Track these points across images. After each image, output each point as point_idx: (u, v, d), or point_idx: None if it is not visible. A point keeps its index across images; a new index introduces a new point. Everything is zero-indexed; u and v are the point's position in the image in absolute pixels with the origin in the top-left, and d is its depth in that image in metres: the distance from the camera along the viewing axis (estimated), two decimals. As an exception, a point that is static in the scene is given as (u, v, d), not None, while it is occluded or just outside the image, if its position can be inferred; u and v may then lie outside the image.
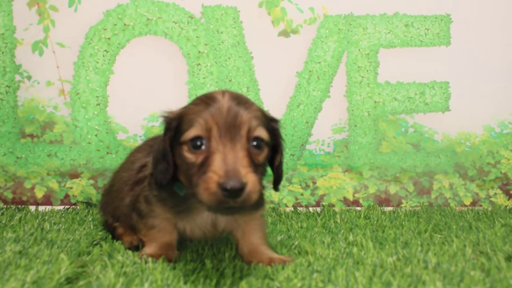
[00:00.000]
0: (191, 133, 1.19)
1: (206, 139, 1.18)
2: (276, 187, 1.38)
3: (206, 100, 1.23)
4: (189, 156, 1.20)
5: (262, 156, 1.23)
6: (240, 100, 1.24)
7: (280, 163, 1.34)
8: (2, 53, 1.99)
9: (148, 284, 1.22)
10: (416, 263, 1.40)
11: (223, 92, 1.25)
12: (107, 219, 1.70)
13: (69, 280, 1.29)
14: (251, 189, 1.11)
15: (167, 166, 1.27)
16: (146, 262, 1.39)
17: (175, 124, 1.28)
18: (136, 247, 1.52)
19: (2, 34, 1.98)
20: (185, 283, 1.25)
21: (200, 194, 1.13)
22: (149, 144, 1.63)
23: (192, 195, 1.20)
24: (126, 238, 1.59)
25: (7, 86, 2.01)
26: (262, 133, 1.21)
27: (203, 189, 1.12)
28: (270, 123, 1.31)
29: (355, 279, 1.28)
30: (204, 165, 1.15)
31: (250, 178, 1.11)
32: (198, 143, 1.18)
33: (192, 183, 1.19)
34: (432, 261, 1.40)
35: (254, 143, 1.20)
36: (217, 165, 1.12)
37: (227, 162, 1.13)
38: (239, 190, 1.09)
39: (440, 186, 2.15)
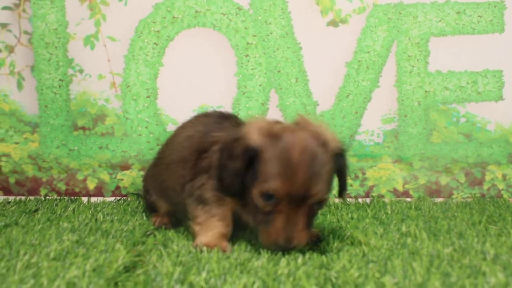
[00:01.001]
0: (265, 187, 1.31)
1: (277, 198, 1.31)
2: (341, 196, 1.49)
3: (285, 158, 1.30)
4: (259, 201, 1.34)
5: (320, 207, 1.40)
6: (314, 166, 1.31)
7: (345, 181, 1.43)
8: (56, 47, 2.03)
9: (206, 273, 1.23)
10: (474, 254, 1.37)
11: (301, 153, 1.30)
12: (148, 192, 1.73)
13: (127, 269, 1.31)
14: (299, 244, 1.35)
15: (236, 186, 1.35)
16: (201, 252, 1.40)
17: (252, 155, 1.33)
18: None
19: (55, 29, 2.02)
20: (241, 272, 1.26)
21: (260, 235, 1.37)
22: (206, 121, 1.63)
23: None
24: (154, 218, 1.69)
25: (60, 80, 2.05)
26: (325, 196, 1.35)
27: (263, 234, 1.36)
28: (338, 162, 1.38)
29: (412, 269, 1.27)
30: (269, 216, 1.33)
31: (301, 239, 1.34)
32: (270, 197, 1.32)
33: (256, 218, 1.37)
34: (490, 253, 1.37)
35: (316, 205, 1.35)
36: (278, 226, 1.33)
37: (286, 228, 1.33)
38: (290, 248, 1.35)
39: (492, 177, 2.11)
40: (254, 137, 1.34)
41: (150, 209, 1.76)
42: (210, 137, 1.54)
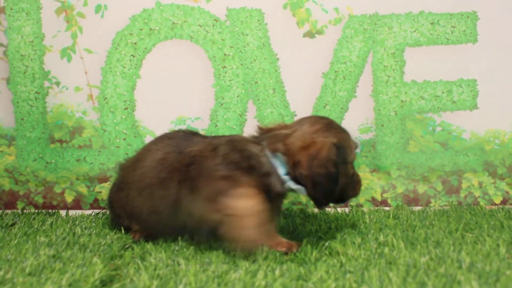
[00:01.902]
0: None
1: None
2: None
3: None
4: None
5: None
6: None
7: None
8: (32, 60, 2.02)
9: (182, 286, 1.23)
10: (450, 262, 1.39)
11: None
12: (119, 217, 1.74)
13: (104, 283, 1.30)
14: None
15: (335, 188, 1.53)
16: (179, 265, 1.40)
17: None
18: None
19: (31, 41, 2.01)
20: (219, 285, 1.26)
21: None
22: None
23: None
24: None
25: (36, 92, 2.03)
26: None
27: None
28: None
29: (389, 279, 1.28)
30: (354, 175, 1.63)
31: None
32: None
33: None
34: (466, 261, 1.39)
35: None
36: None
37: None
38: None
39: (469, 185, 2.13)
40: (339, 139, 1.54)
41: (124, 229, 1.76)
42: (187, 153, 1.58)
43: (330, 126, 1.57)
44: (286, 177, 1.53)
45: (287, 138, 1.54)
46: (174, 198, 1.56)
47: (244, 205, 1.44)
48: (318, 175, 1.47)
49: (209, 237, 1.57)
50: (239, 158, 1.51)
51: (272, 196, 1.53)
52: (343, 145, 1.54)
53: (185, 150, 1.59)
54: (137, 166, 1.68)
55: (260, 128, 1.64)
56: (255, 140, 1.58)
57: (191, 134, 1.70)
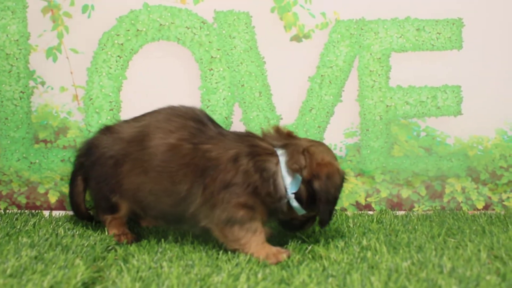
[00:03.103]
0: None
1: None
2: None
3: None
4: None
5: None
6: None
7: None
8: (17, 59, 2.01)
9: (165, 289, 1.23)
10: (431, 267, 1.40)
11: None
12: (112, 192, 1.70)
13: (86, 285, 1.30)
14: None
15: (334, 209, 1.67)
16: (161, 267, 1.40)
17: None
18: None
19: (17, 40, 2.00)
20: (201, 287, 1.26)
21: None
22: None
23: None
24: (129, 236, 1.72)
25: (21, 92, 2.02)
26: None
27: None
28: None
29: (370, 283, 1.29)
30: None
31: None
32: None
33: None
34: (447, 266, 1.40)
35: None
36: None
37: None
38: None
39: (452, 190, 2.15)
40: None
41: (108, 209, 1.74)
42: (202, 151, 1.56)
43: (336, 158, 1.68)
44: (292, 196, 1.57)
45: (309, 149, 1.59)
46: (183, 195, 1.57)
47: (255, 240, 1.54)
48: (330, 194, 1.57)
49: (202, 232, 1.60)
50: (259, 181, 1.55)
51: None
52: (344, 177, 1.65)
53: (200, 145, 1.58)
54: (145, 143, 1.64)
55: (274, 131, 1.66)
56: (272, 150, 1.59)
57: (204, 118, 1.68)
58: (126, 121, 1.76)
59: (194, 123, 1.65)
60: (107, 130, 1.75)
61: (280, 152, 1.59)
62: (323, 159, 1.58)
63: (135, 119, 1.74)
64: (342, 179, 1.62)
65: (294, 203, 1.59)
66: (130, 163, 1.65)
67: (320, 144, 1.67)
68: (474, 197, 2.15)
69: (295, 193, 1.57)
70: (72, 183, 1.82)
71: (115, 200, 1.70)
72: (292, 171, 1.56)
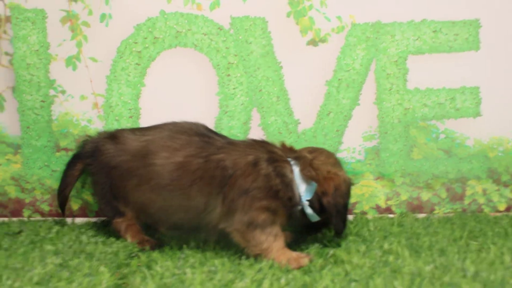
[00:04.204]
0: None
1: None
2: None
3: None
4: None
5: None
6: None
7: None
8: (37, 68, 2.03)
9: (190, 295, 1.24)
10: (455, 271, 1.40)
11: None
12: (118, 202, 1.72)
13: (111, 292, 1.31)
14: None
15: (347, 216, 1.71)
16: (185, 273, 1.41)
17: None
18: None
19: (37, 50, 2.03)
20: (225, 294, 1.27)
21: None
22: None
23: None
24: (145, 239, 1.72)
25: (41, 101, 2.05)
26: None
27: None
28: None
29: (394, 288, 1.29)
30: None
31: None
32: None
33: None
34: (470, 270, 1.40)
35: None
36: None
37: None
38: None
39: (473, 192, 2.14)
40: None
41: (115, 213, 1.76)
42: (216, 162, 1.58)
43: (340, 163, 1.71)
44: (306, 203, 1.59)
45: (312, 163, 1.62)
46: (201, 209, 1.58)
47: (276, 245, 1.54)
48: (339, 205, 1.61)
49: (220, 239, 1.62)
50: (280, 185, 1.57)
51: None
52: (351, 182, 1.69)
53: (211, 156, 1.60)
54: (149, 161, 1.66)
55: (280, 144, 1.69)
56: (286, 158, 1.62)
57: (206, 131, 1.71)
58: (132, 131, 1.78)
59: (199, 138, 1.67)
60: (112, 138, 1.77)
61: (292, 161, 1.62)
62: (329, 172, 1.62)
63: (141, 131, 1.76)
64: (349, 186, 1.66)
65: (308, 210, 1.62)
66: (136, 179, 1.68)
67: (321, 152, 1.69)
68: (495, 198, 2.13)
69: (309, 201, 1.60)
70: (70, 167, 1.86)
71: (120, 207, 1.73)
72: (307, 178, 1.59)
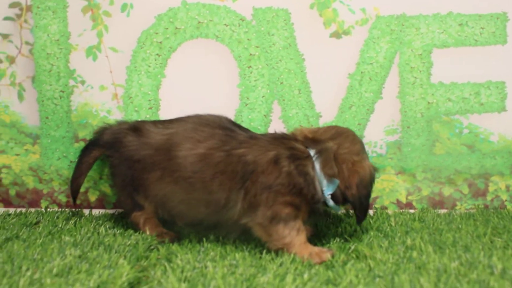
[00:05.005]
0: None
1: None
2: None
3: None
4: None
5: None
6: None
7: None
8: (57, 58, 2.02)
9: (212, 289, 1.22)
10: (482, 268, 1.37)
11: None
12: (138, 193, 1.71)
13: (131, 285, 1.30)
14: None
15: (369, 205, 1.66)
16: (206, 267, 1.39)
17: None
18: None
19: (57, 40, 2.01)
20: (248, 288, 1.25)
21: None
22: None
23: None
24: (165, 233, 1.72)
25: (61, 91, 2.03)
26: None
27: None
28: None
29: (420, 285, 1.26)
30: None
31: None
32: None
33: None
34: (497, 267, 1.36)
35: None
36: None
37: None
38: None
39: (496, 188, 2.10)
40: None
41: (134, 206, 1.75)
42: (238, 156, 1.56)
43: (364, 148, 1.68)
44: (329, 196, 1.58)
45: (337, 155, 1.60)
46: (223, 204, 1.56)
47: (299, 240, 1.53)
48: (363, 196, 1.58)
49: (240, 235, 1.60)
50: (304, 184, 1.55)
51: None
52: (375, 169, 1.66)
53: (233, 151, 1.58)
54: (173, 153, 1.65)
55: (299, 134, 1.65)
56: (308, 153, 1.59)
57: (230, 124, 1.69)
58: (154, 124, 1.76)
59: (222, 131, 1.65)
60: (135, 130, 1.75)
61: (313, 154, 1.59)
62: (354, 164, 1.59)
63: (164, 124, 1.74)
64: (373, 176, 1.63)
65: (331, 203, 1.60)
66: (159, 172, 1.66)
67: (346, 137, 1.66)
68: (519, 195, 2.10)
69: (331, 194, 1.58)
70: (86, 154, 1.85)
71: (140, 200, 1.72)
72: (329, 176, 1.58)
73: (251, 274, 1.33)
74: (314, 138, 1.64)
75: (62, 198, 2.07)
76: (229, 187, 1.56)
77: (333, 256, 1.50)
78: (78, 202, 2.06)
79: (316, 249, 1.53)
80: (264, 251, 1.53)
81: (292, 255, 1.48)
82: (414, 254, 1.50)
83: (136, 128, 1.75)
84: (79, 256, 1.47)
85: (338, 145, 1.61)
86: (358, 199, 1.58)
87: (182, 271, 1.35)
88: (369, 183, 1.61)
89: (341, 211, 1.61)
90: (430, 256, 1.48)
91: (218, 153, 1.59)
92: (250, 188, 1.53)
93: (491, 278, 1.29)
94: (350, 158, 1.60)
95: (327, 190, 1.58)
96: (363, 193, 1.58)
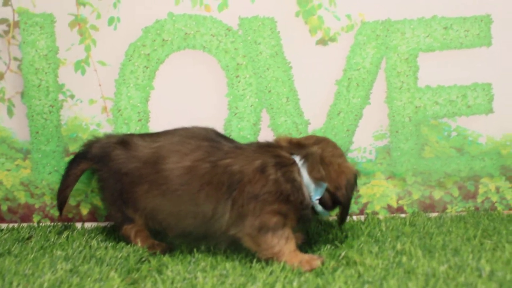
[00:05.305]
0: None
1: None
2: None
3: None
4: None
5: None
6: None
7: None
8: (46, 73, 2.03)
9: (201, 300, 1.23)
10: (470, 271, 1.37)
11: None
12: (127, 207, 1.72)
13: (122, 298, 1.30)
14: None
15: None
16: (196, 278, 1.39)
17: None
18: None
19: (46, 55, 2.02)
20: (237, 298, 1.25)
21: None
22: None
23: None
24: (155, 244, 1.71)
25: (50, 106, 2.04)
26: None
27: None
28: None
29: (408, 290, 1.27)
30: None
31: None
32: None
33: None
34: (486, 269, 1.37)
35: None
36: None
37: None
38: None
39: (486, 190, 2.11)
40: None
41: (124, 220, 1.76)
42: (223, 167, 1.57)
43: (343, 152, 1.72)
44: (317, 201, 1.59)
45: (323, 158, 1.62)
46: (209, 215, 1.57)
47: (288, 248, 1.53)
48: (349, 198, 1.61)
49: (229, 245, 1.60)
50: (290, 190, 1.56)
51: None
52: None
53: (218, 161, 1.59)
54: (160, 166, 1.66)
55: (283, 141, 1.67)
56: (293, 160, 1.61)
57: (215, 136, 1.70)
58: (142, 137, 1.77)
59: (208, 142, 1.66)
60: (123, 143, 1.76)
61: (298, 161, 1.61)
62: (340, 166, 1.62)
63: (151, 138, 1.76)
64: (356, 178, 1.66)
65: (319, 208, 1.62)
66: (147, 185, 1.67)
67: (327, 143, 1.69)
68: (509, 196, 2.11)
69: (319, 199, 1.60)
70: (73, 166, 1.85)
71: (130, 213, 1.73)
72: (317, 179, 1.59)
73: (241, 284, 1.33)
74: (299, 143, 1.66)
75: (55, 212, 2.07)
76: (215, 198, 1.56)
77: (323, 263, 1.51)
78: (70, 215, 2.07)
79: (306, 256, 1.54)
80: (255, 260, 1.54)
81: (282, 264, 1.49)
82: (404, 259, 1.51)
83: (124, 141, 1.76)
84: (70, 270, 1.48)
85: (322, 149, 1.63)
86: (348, 200, 1.60)
87: (172, 282, 1.36)
88: (354, 184, 1.64)
89: (329, 216, 1.62)
90: (419, 260, 1.49)
91: (204, 164, 1.60)
92: (237, 198, 1.53)
93: (479, 280, 1.30)
94: (335, 160, 1.62)
95: (315, 195, 1.59)
96: (350, 195, 1.61)
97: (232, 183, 1.55)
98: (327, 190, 1.59)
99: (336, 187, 1.60)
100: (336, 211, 1.67)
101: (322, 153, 1.62)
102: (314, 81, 2.06)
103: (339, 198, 1.60)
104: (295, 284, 1.32)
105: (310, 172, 1.58)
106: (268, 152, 1.60)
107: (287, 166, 1.57)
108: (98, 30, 2.03)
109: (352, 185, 1.62)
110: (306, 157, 1.61)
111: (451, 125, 2.09)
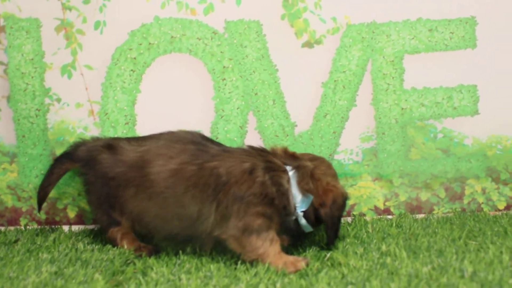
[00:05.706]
0: None
1: None
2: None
3: None
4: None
5: None
6: None
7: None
8: (32, 77, 2.03)
9: (183, 302, 1.23)
10: (452, 272, 1.38)
11: None
12: (113, 210, 1.72)
13: (105, 300, 1.30)
14: None
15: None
16: (180, 279, 1.40)
17: None
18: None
19: (32, 59, 2.03)
20: (220, 299, 1.26)
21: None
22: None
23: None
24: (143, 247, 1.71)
25: (37, 109, 2.04)
26: None
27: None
28: None
29: (390, 290, 1.27)
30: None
31: None
32: None
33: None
34: (468, 270, 1.38)
35: None
36: None
37: None
38: None
39: (472, 191, 2.12)
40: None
41: (110, 223, 1.76)
42: (210, 169, 1.58)
43: (337, 176, 1.74)
44: (301, 214, 1.60)
45: (314, 173, 1.63)
46: (195, 217, 1.58)
47: (272, 250, 1.53)
48: (335, 217, 1.62)
49: (214, 248, 1.60)
50: (276, 194, 1.57)
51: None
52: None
53: (205, 164, 1.60)
54: (146, 170, 1.67)
55: (278, 150, 1.70)
56: (284, 168, 1.62)
57: (202, 139, 1.71)
58: (128, 141, 1.78)
59: (194, 146, 1.68)
60: (109, 148, 1.77)
61: (290, 171, 1.62)
62: (328, 184, 1.64)
63: (137, 142, 1.77)
64: (345, 200, 1.68)
65: (303, 221, 1.63)
66: (133, 189, 1.68)
67: (322, 162, 1.72)
68: (495, 197, 2.12)
69: (303, 212, 1.61)
70: (57, 165, 1.87)
71: (116, 216, 1.73)
72: (305, 191, 1.60)
73: (225, 285, 1.34)
74: (294, 156, 1.68)
75: (42, 216, 2.07)
76: (200, 200, 1.57)
77: (307, 265, 1.51)
78: (57, 218, 2.07)
79: (291, 258, 1.54)
80: (239, 262, 1.54)
81: (266, 265, 1.49)
82: (388, 260, 1.52)
83: (111, 145, 1.76)
84: (55, 273, 1.48)
85: (315, 166, 1.65)
86: (330, 218, 1.62)
87: (156, 284, 1.36)
88: (342, 206, 1.65)
89: (310, 230, 1.63)
90: (403, 261, 1.50)
91: (190, 167, 1.61)
92: (222, 200, 1.54)
93: (461, 281, 1.31)
94: (325, 178, 1.65)
95: (300, 206, 1.60)
96: (335, 215, 1.62)
97: (218, 185, 1.56)
98: (312, 204, 1.60)
99: (321, 203, 1.61)
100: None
101: (314, 169, 1.64)
102: (300, 84, 2.07)
103: (322, 215, 1.61)
104: (278, 285, 1.33)
105: (299, 183, 1.60)
106: (260, 156, 1.62)
107: (276, 171, 1.59)
108: (84, 34, 2.03)
109: (339, 206, 1.64)
110: (297, 168, 1.63)
111: (437, 126, 2.10)
